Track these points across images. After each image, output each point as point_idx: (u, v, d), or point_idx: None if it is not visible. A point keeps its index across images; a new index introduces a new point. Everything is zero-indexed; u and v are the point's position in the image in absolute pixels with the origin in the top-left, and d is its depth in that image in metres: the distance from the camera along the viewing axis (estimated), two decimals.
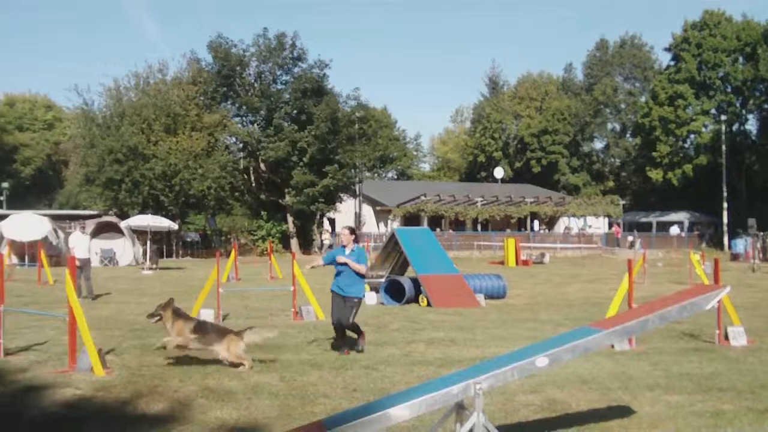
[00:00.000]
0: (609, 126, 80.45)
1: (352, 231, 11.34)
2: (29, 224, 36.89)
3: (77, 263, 18.49)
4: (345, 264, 10.87)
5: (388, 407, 5.33)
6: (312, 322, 14.59)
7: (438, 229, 54.54)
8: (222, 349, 9.60)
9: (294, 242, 53.28)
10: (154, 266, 35.17)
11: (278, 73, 53.75)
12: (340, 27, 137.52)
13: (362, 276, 11.04)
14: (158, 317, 10.05)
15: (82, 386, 8.49)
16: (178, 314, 10.00)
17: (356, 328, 11.08)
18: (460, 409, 5.66)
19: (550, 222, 61.99)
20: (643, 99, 74.46)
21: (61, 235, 37.39)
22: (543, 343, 6.35)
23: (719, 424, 7.04)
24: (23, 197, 65.03)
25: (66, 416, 7.18)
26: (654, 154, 64.97)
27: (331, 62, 61.51)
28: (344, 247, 11.13)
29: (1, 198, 57.31)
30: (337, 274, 11.02)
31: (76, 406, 7.58)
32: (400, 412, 5.31)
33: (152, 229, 37.11)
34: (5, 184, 59.70)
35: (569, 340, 5.80)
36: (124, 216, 45.12)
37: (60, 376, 9.03)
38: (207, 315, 14.29)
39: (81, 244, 20.38)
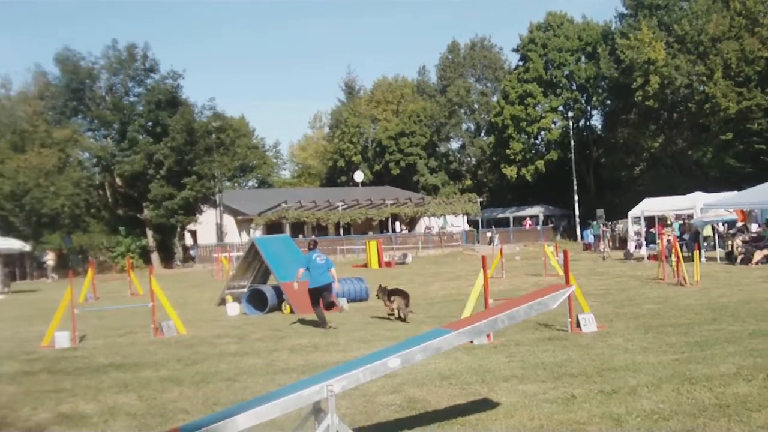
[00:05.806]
0: (464, 126, 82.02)
1: None
2: None
3: None
4: None
5: (236, 414, 5.36)
6: (173, 338, 14.31)
7: (300, 236, 54.41)
8: None
9: (155, 257, 52.11)
10: (6, 290, 33.74)
11: (130, 84, 52.63)
12: (193, 36, 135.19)
13: None
14: None
15: None
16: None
17: None
18: (318, 413, 5.69)
19: (411, 223, 62.77)
20: (494, 99, 76.47)
21: None
22: (397, 345, 6.49)
23: (570, 408, 7.35)
24: None
25: None
26: (507, 151, 66.76)
27: (184, 72, 60.59)
28: None
29: None
30: None
31: None
32: (246, 419, 5.33)
33: (1, 252, 35.48)
34: None
35: (422, 341, 5.97)
36: None
37: None
38: (62, 337, 13.79)
39: None
